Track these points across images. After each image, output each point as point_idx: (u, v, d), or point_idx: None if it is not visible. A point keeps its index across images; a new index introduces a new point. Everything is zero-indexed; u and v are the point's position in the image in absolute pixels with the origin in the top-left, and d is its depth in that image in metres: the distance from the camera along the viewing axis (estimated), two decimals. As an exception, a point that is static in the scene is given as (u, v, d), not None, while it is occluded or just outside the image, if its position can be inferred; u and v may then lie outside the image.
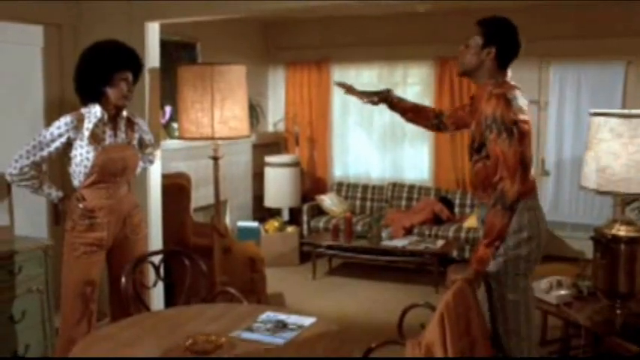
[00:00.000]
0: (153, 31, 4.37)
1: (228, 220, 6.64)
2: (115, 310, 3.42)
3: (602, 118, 3.30)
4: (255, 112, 6.95)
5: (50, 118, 4.29)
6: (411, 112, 3.22)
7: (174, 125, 5.67)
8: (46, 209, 4.37)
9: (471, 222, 6.17)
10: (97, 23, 4.36)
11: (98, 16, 4.38)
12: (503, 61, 2.82)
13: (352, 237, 6.25)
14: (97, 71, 3.19)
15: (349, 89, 3.28)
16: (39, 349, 3.63)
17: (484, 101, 2.73)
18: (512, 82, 2.82)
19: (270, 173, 7.09)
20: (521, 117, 2.69)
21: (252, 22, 7.47)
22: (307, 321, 2.64)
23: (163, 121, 5.79)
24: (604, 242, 3.35)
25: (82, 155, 3.16)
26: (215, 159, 4.24)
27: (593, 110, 3.47)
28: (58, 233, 4.17)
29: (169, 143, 5.53)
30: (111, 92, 3.20)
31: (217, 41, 6.66)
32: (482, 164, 2.77)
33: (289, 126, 7.81)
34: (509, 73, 2.86)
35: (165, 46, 4.86)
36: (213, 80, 4.02)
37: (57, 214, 4.31)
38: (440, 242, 6.06)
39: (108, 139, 3.24)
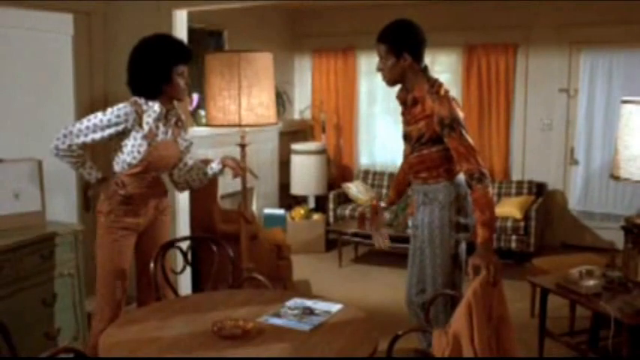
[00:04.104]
0: (181, 19, 4.40)
1: (254, 207, 6.68)
2: (141, 294, 3.46)
3: (634, 106, 3.24)
4: (281, 100, 6.96)
5: (80, 104, 4.36)
6: (403, 187, 3.49)
7: (202, 112, 5.71)
8: (77, 195, 4.45)
9: (500, 210, 6.11)
10: (126, 12, 4.41)
11: (127, 5, 4.43)
12: (420, 58, 3.07)
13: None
14: (157, 70, 3.14)
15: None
16: (70, 332, 3.71)
17: (430, 102, 2.97)
18: (435, 77, 3.10)
19: (296, 161, 7.10)
20: (460, 111, 2.99)
21: (278, 9, 7.46)
22: (334, 307, 2.65)
23: (191, 108, 5.84)
24: (635, 232, 3.31)
25: (134, 147, 3.15)
26: (242, 146, 4.25)
27: (624, 98, 3.41)
28: (87, 219, 4.25)
29: (196, 130, 5.56)
30: (171, 89, 3.18)
31: (244, 29, 6.68)
32: (428, 151, 3.04)
33: (316, 113, 7.81)
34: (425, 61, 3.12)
35: (192, 33, 4.89)
36: (240, 67, 4.02)
37: (87, 200, 4.38)
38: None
39: (161, 135, 3.22)
